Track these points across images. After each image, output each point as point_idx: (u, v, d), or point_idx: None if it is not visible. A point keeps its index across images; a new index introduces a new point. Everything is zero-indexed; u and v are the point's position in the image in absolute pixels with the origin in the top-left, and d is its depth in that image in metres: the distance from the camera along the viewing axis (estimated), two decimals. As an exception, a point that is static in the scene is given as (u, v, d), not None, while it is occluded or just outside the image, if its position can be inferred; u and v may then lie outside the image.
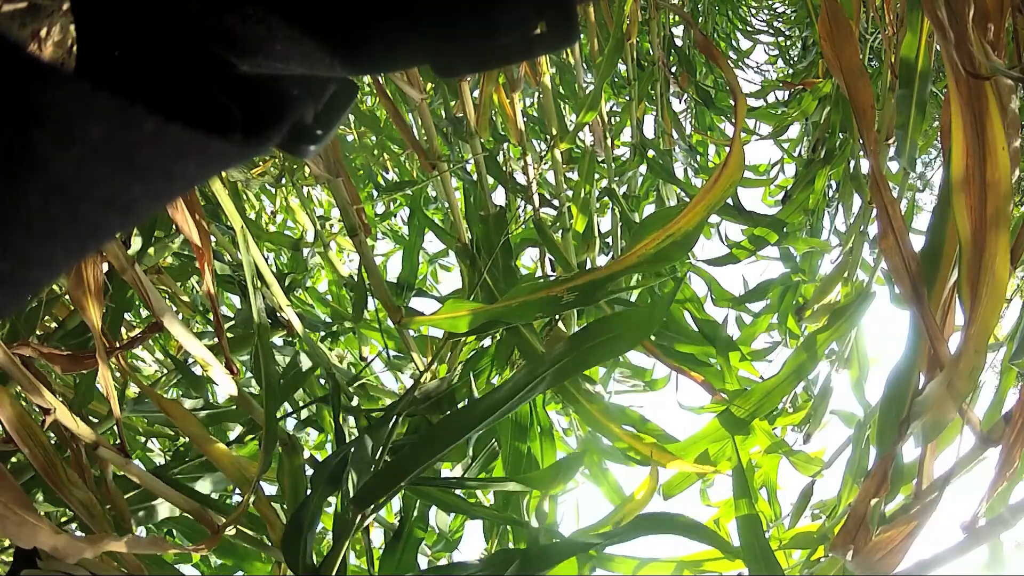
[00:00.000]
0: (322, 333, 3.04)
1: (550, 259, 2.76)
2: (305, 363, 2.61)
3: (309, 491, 1.79)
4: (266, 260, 2.23)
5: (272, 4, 0.22)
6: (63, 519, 2.47)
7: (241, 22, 0.22)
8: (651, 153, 3.45)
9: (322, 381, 3.08)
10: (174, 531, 2.45)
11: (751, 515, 1.61)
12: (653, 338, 2.65)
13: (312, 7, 0.23)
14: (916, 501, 1.48)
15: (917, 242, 1.32)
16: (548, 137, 2.96)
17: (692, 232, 1.39)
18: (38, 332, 2.94)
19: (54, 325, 2.94)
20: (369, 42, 0.24)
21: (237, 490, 2.20)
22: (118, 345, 1.93)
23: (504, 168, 2.83)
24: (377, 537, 2.73)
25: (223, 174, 2.01)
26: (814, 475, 2.59)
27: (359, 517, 1.57)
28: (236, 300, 3.20)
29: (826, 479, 2.60)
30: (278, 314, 2.57)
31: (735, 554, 1.82)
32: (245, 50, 0.23)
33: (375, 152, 4.03)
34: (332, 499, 1.78)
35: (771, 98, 4.88)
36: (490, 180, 2.64)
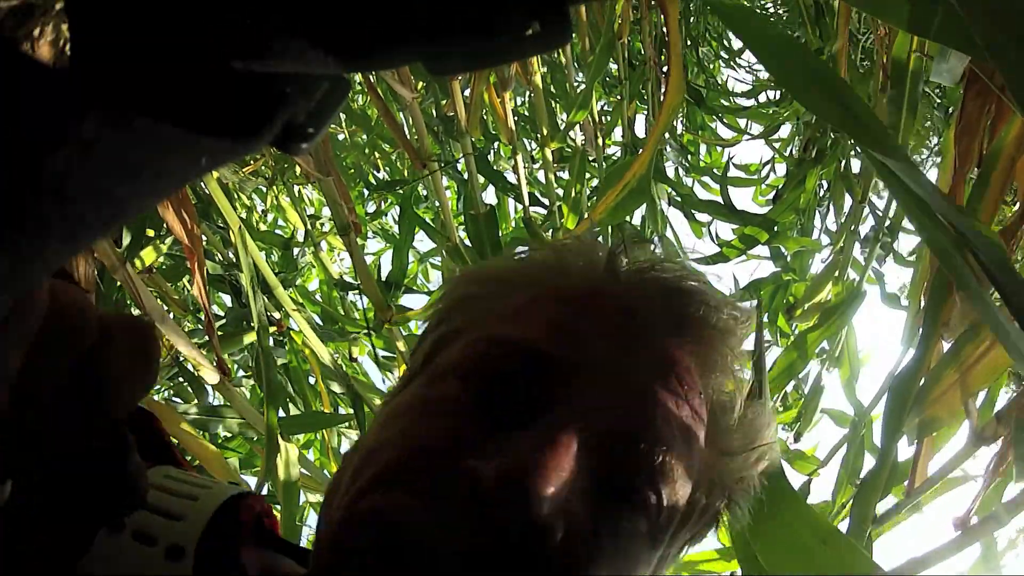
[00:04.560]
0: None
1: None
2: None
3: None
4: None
5: (268, 3, 0.22)
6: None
7: (236, 21, 0.22)
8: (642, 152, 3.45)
9: (311, 380, 3.08)
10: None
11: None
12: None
13: (308, 5, 0.22)
14: (909, 499, 1.49)
15: (910, 242, 1.32)
16: (539, 136, 2.96)
17: (645, 175, 1.42)
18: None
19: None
20: (363, 39, 0.24)
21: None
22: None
23: (494, 167, 2.83)
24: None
25: (215, 173, 2.01)
26: (811, 473, 2.60)
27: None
28: (227, 299, 3.19)
29: (821, 477, 2.60)
30: (269, 312, 2.57)
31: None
32: (238, 48, 0.23)
33: (366, 151, 4.03)
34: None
35: (763, 97, 4.89)
36: (480, 179, 2.64)
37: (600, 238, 0.71)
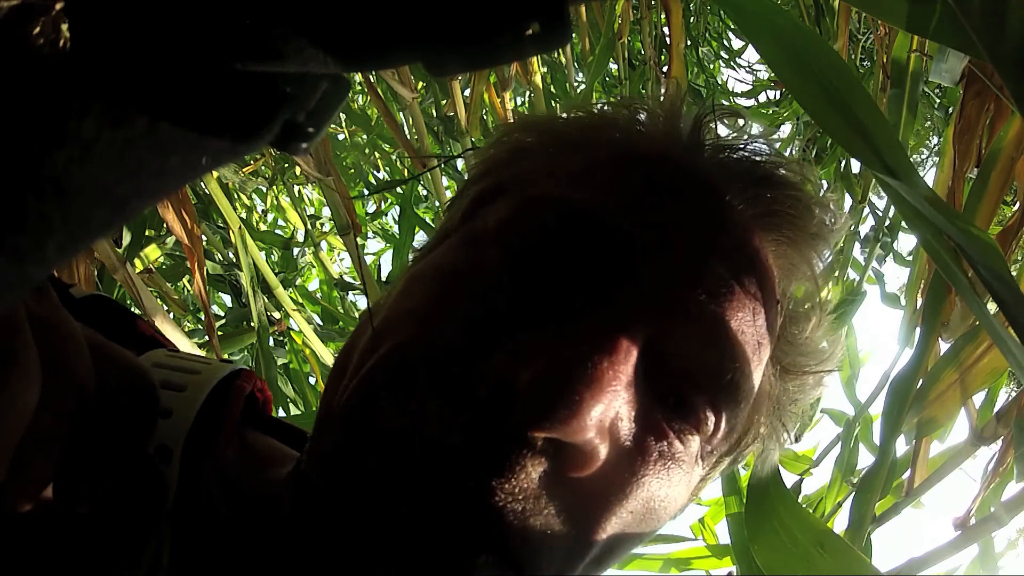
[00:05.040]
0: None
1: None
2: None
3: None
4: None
5: (268, 3, 0.22)
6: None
7: (236, 21, 0.22)
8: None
9: (312, 380, 3.08)
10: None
11: (741, 513, 1.61)
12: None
13: (308, 5, 0.23)
14: (907, 499, 1.49)
15: (910, 242, 1.32)
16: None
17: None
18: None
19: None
20: (363, 39, 0.24)
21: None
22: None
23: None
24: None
25: (215, 173, 2.01)
26: (802, 473, 2.60)
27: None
28: (227, 299, 3.19)
29: (815, 476, 2.61)
30: (269, 312, 2.57)
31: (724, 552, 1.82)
32: (238, 48, 0.23)
33: (366, 151, 4.02)
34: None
35: (763, 97, 4.89)
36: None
37: (684, 103, 0.58)
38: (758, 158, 0.55)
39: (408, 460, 0.41)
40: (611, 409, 0.42)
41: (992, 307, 0.80)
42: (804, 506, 1.00)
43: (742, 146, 0.56)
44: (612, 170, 0.51)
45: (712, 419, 0.47)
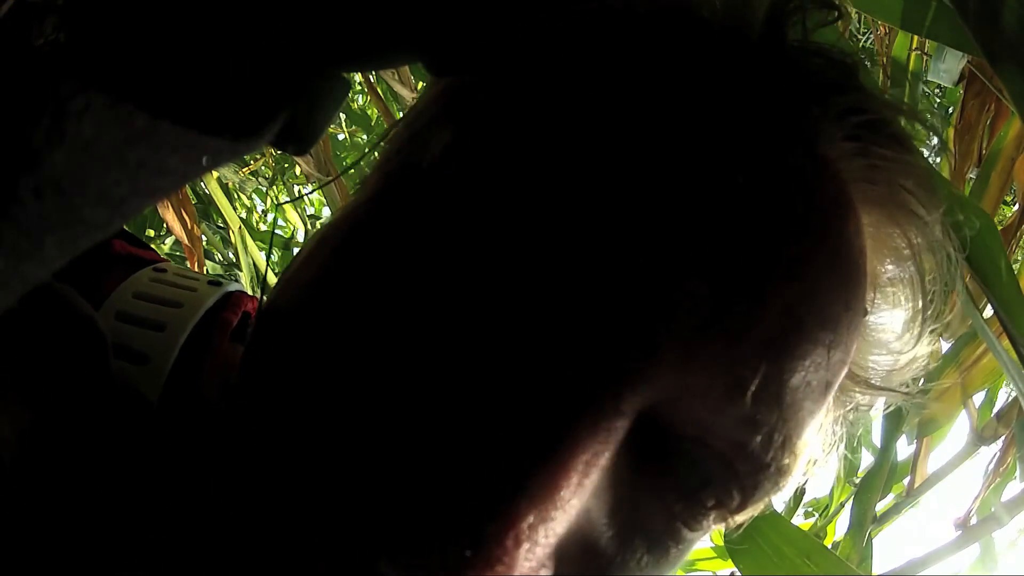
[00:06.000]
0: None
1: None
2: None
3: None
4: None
5: (268, 2, 0.22)
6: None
7: (236, 21, 0.22)
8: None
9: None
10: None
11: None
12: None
13: (309, 5, 0.22)
14: (909, 498, 1.49)
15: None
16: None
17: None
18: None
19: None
20: (363, 39, 0.24)
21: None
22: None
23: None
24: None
25: (215, 173, 2.01)
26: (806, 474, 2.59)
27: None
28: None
29: (818, 477, 2.60)
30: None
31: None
32: (238, 48, 0.23)
33: (366, 151, 4.02)
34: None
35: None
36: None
37: None
38: (865, 87, 0.34)
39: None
40: (563, 523, 0.27)
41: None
42: (787, 519, 1.00)
43: (842, 59, 0.34)
44: (641, 85, 0.31)
45: (738, 500, 0.32)
